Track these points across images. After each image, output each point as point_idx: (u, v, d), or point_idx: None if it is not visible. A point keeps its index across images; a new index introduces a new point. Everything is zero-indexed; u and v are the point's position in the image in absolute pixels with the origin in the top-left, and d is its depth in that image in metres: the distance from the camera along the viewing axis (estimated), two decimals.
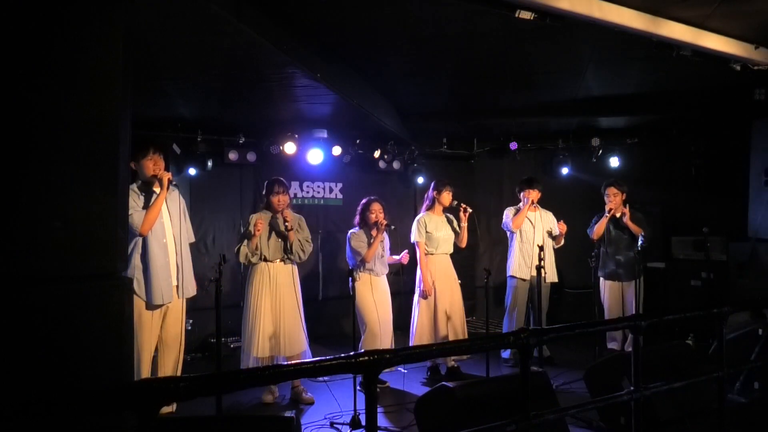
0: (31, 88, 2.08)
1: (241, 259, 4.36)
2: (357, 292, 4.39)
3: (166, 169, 3.75)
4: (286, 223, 4.30)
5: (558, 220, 5.56)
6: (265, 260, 4.35)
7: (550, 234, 5.47)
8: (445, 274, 5.01)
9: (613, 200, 5.35)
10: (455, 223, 5.09)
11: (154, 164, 3.67)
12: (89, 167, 2.19)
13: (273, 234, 4.40)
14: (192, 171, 6.07)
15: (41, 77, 2.09)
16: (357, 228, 4.91)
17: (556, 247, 5.55)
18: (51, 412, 1.38)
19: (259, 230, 4.26)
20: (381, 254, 4.90)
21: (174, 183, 3.69)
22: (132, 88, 2.37)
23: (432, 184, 5.16)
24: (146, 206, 3.61)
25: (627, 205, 5.43)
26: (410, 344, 4.89)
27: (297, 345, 4.37)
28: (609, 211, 5.32)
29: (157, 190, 3.67)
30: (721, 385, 3.00)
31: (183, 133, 5.92)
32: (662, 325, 6.17)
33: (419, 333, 4.94)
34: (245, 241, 4.33)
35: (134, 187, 3.68)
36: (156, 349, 3.74)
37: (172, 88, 4.72)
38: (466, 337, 5.02)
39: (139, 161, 3.66)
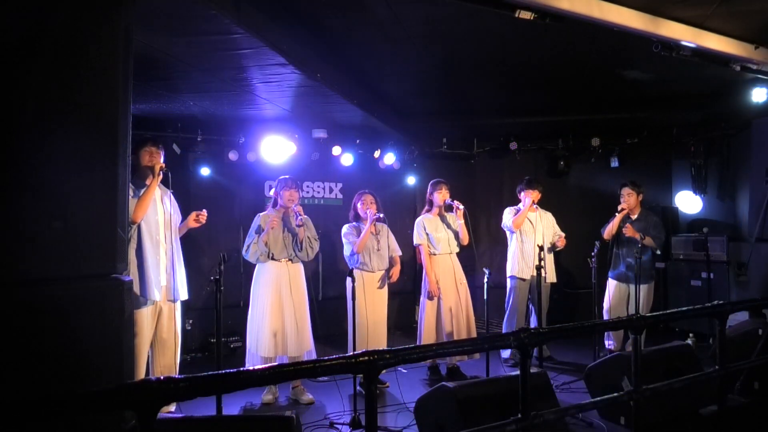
0: (30, 88, 2.08)
1: (251, 257, 4.36)
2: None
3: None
4: (300, 217, 4.30)
5: (558, 222, 5.57)
6: (272, 259, 4.35)
7: (552, 247, 5.46)
8: (450, 274, 5.01)
9: (627, 200, 5.28)
10: (450, 219, 5.08)
11: (150, 155, 3.70)
12: (89, 167, 2.19)
13: (281, 232, 4.40)
14: (192, 171, 6.06)
15: (41, 77, 2.09)
16: (350, 223, 4.95)
17: (557, 249, 5.53)
18: (51, 411, 1.38)
19: (273, 226, 4.27)
20: (377, 248, 4.88)
21: (165, 169, 3.65)
22: (132, 88, 2.37)
23: (429, 187, 5.19)
24: (138, 195, 3.61)
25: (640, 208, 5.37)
26: (417, 344, 4.88)
27: (302, 345, 4.36)
28: (620, 211, 5.27)
29: (149, 182, 3.67)
30: (721, 385, 3.00)
31: (183, 133, 5.91)
32: (662, 325, 6.23)
33: (426, 333, 4.95)
34: (255, 238, 4.32)
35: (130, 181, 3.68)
36: (151, 350, 3.73)
37: (172, 89, 4.72)
38: (474, 336, 5.01)
39: (137, 152, 3.68)
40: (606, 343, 5.45)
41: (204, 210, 3.99)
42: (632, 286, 5.20)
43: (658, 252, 5.45)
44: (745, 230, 6.26)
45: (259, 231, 4.35)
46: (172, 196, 3.88)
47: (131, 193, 3.58)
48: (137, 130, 2.57)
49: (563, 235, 5.45)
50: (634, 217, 5.30)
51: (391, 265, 5.02)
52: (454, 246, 5.06)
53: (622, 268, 5.34)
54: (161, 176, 3.66)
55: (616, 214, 5.29)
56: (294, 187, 4.44)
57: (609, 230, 5.32)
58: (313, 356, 4.43)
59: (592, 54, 4.55)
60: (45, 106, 2.10)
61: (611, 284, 5.43)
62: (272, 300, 4.31)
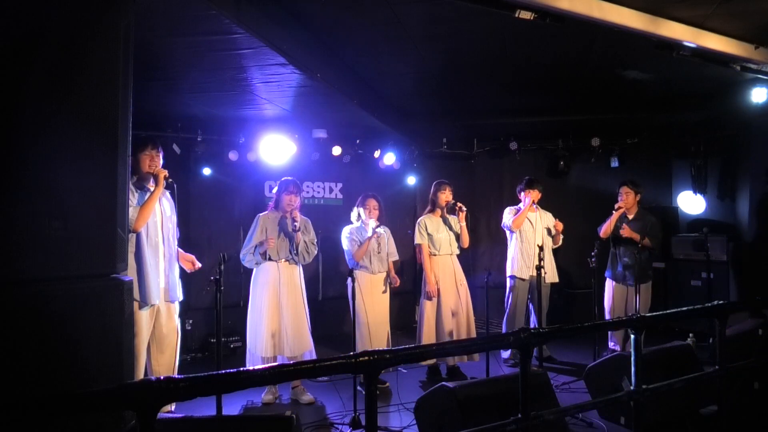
0: (30, 88, 2.08)
1: (247, 264, 4.40)
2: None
3: (164, 167, 3.68)
4: (295, 223, 4.29)
5: (556, 220, 5.56)
6: (270, 260, 4.36)
7: (549, 232, 5.47)
8: (450, 275, 5.01)
9: (625, 199, 5.27)
10: (452, 221, 5.09)
11: (150, 160, 3.62)
12: (89, 168, 2.19)
13: (280, 234, 4.40)
14: (192, 171, 6.06)
15: (41, 77, 2.09)
16: (351, 224, 4.94)
17: (554, 247, 5.54)
18: (51, 411, 1.38)
19: (271, 246, 4.29)
20: (378, 250, 4.88)
21: (170, 180, 3.60)
22: (132, 88, 2.37)
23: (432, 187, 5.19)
24: (141, 203, 3.55)
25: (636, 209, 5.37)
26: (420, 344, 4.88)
27: (302, 345, 4.36)
28: (617, 209, 5.27)
29: (152, 187, 3.62)
30: (721, 385, 3.00)
31: (183, 133, 5.91)
32: (662, 325, 6.22)
33: (426, 333, 4.95)
34: (253, 249, 4.33)
35: (129, 183, 3.65)
36: (149, 351, 3.71)
37: (172, 88, 4.72)
38: (474, 336, 5.01)
39: (137, 155, 3.59)
40: (610, 344, 5.46)
41: (200, 264, 4.02)
42: (630, 287, 5.20)
43: (656, 251, 5.44)
44: (745, 230, 6.27)
45: (259, 242, 4.34)
46: (168, 195, 3.84)
47: (134, 197, 3.56)
48: (137, 130, 2.56)
49: (558, 224, 5.43)
50: (631, 216, 5.29)
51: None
52: (455, 247, 5.07)
53: (620, 268, 5.34)
54: (164, 184, 3.59)
55: (613, 212, 5.29)
56: (294, 192, 4.42)
57: (605, 229, 5.32)
58: (313, 356, 4.43)
59: (592, 54, 4.55)
60: (45, 106, 2.10)
61: (609, 285, 5.43)
62: (270, 300, 4.32)
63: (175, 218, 3.88)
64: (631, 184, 5.33)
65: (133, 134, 2.44)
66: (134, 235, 3.53)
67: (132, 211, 3.45)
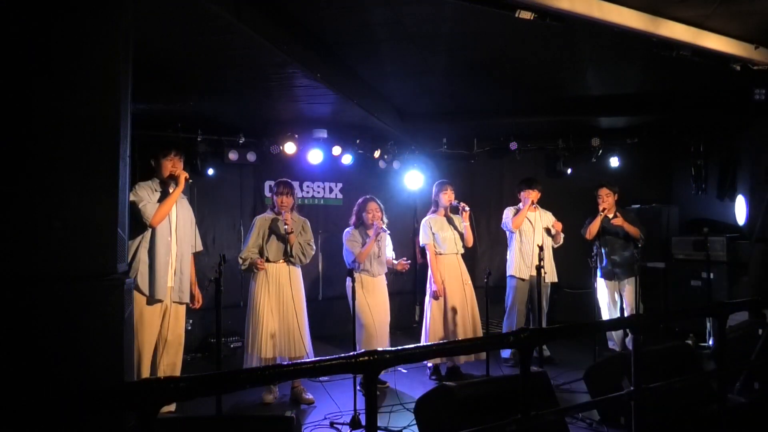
0: (30, 89, 2.08)
1: (243, 269, 4.42)
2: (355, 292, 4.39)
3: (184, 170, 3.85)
4: (286, 226, 4.28)
5: (555, 220, 5.58)
6: (268, 261, 4.36)
7: (548, 232, 5.48)
8: (455, 274, 5.02)
9: (606, 200, 5.43)
10: (456, 220, 5.10)
11: (172, 165, 3.78)
12: (89, 168, 2.19)
13: (276, 235, 4.40)
14: (192, 171, 6.06)
15: (41, 78, 2.10)
16: (353, 227, 4.91)
17: (555, 246, 5.55)
18: (50, 411, 1.38)
19: (260, 268, 4.29)
20: (378, 254, 4.87)
21: (190, 181, 3.76)
22: (132, 88, 2.37)
23: (434, 187, 5.20)
24: (160, 202, 3.72)
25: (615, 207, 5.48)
26: (422, 344, 4.88)
27: (300, 346, 4.34)
28: (603, 211, 5.36)
29: (171, 189, 3.77)
30: (721, 385, 3.00)
31: (183, 133, 5.91)
32: (662, 325, 6.22)
33: (432, 333, 4.95)
34: (247, 262, 4.34)
35: (150, 183, 3.79)
36: (156, 349, 3.75)
37: (172, 88, 4.71)
38: (480, 335, 5.02)
39: (159, 160, 3.78)
40: (609, 343, 5.47)
41: (199, 305, 4.12)
42: (621, 282, 5.35)
43: (644, 240, 5.49)
44: (745, 230, 6.26)
45: (252, 262, 4.34)
46: (185, 201, 3.96)
47: (154, 196, 3.73)
48: (138, 130, 2.57)
49: (557, 224, 5.45)
50: (611, 215, 5.41)
51: (389, 267, 5.02)
52: (459, 246, 5.08)
53: (609, 265, 5.42)
54: (184, 185, 3.75)
55: (600, 213, 5.41)
56: (284, 193, 4.39)
57: (591, 230, 5.42)
58: (312, 357, 4.43)
59: (593, 54, 4.55)
60: (44, 106, 2.10)
61: (600, 283, 5.46)
62: (269, 301, 4.32)
63: (194, 227, 4.02)
64: (609, 185, 5.51)
65: (136, 135, 2.45)
66: (149, 231, 3.68)
67: (151, 207, 3.62)
